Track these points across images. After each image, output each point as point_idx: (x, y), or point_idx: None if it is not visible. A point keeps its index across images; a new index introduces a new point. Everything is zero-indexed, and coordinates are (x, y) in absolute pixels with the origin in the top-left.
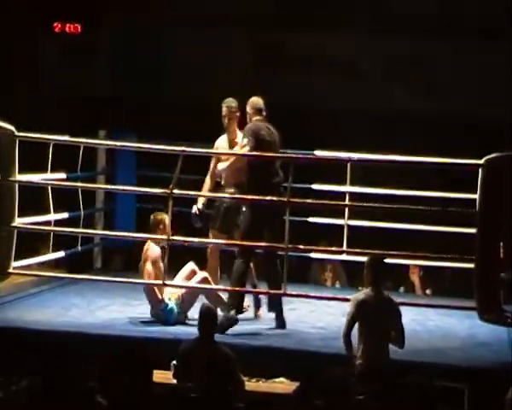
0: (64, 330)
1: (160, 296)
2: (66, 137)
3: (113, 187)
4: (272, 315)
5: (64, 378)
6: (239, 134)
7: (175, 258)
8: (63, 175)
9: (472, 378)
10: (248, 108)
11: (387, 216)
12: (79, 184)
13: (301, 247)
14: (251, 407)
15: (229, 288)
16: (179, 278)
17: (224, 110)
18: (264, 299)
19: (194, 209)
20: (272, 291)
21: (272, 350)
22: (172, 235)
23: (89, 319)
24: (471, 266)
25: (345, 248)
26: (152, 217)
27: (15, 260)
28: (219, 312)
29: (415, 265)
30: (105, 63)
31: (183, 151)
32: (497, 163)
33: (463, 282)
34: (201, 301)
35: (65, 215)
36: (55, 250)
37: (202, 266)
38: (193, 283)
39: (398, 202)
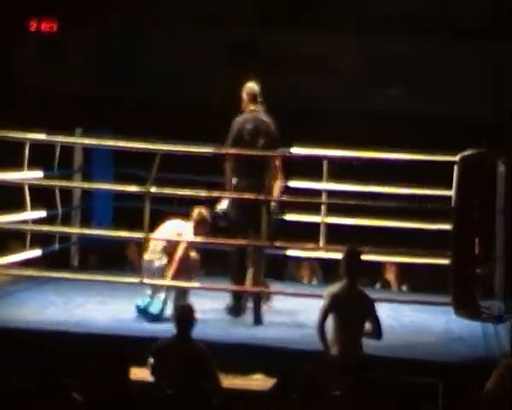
0: (41, 328)
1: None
2: (43, 136)
3: (89, 185)
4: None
5: (41, 376)
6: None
7: None
8: (40, 173)
9: (446, 373)
10: (244, 95)
11: (364, 213)
12: (56, 182)
13: (278, 244)
14: (227, 404)
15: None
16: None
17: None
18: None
19: (220, 209)
20: (243, 288)
21: (249, 347)
22: None
23: (66, 316)
24: (447, 261)
25: (321, 245)
26: (197, 211)
27: None
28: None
29: (391, 261)
30: (80, 62)
31: (161, 150)
32: (472, 160)
33: (439, 278)
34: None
35: (42, 213)
36: (31, 248)
37: None
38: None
39: (374, 199)
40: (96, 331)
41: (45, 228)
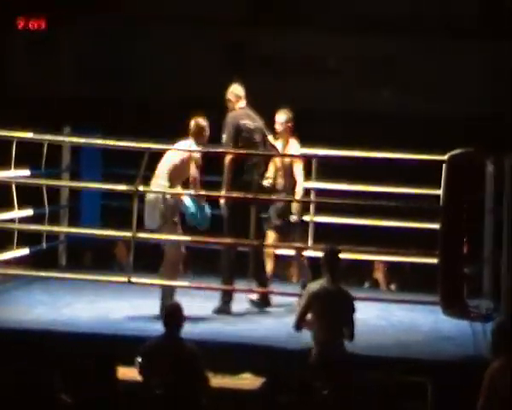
0: (30, 327)
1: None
2: (30, 134)
3: (77, 184)
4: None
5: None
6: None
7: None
8: (27, 172)
9: (435, 372)
10: (231, 96)
11: (353, 212)
12: (44, 181)
13: (267, 243)
14: (216, 403)
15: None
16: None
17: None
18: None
19: (268, 182)
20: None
21: (238, 346)
22: None
23: (55, 316)
24: (435, 261)
25: (310, 244)
26: (194, 121)
27: None
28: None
29: (379, 260)
30: (69, 60)
31: (149, 149)
32: (461, 159)
33: (427, 277)
34: None
35: (29, 212)
36: (19, 247)
37: None
38: None
39: (363, 198)
40: (84, 331)
41: (33, 227)
